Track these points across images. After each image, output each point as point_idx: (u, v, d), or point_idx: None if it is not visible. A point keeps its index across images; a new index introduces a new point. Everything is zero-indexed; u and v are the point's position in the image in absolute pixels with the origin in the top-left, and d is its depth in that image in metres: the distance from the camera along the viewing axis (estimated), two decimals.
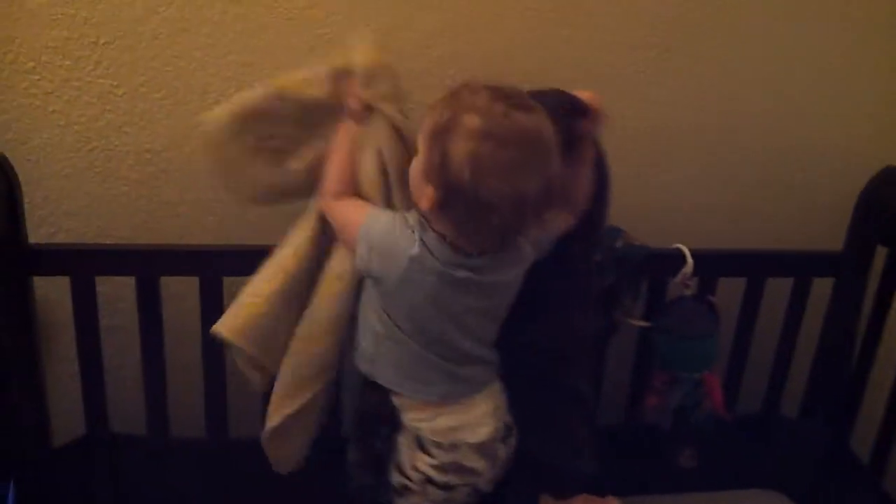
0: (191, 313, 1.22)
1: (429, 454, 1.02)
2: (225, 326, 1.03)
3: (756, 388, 1.44)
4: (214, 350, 1.21)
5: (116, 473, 1.26)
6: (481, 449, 1.03)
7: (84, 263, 1.16)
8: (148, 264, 1.18)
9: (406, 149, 0.99)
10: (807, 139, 1.43)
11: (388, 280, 0.96)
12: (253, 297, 1.03)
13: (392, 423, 1.03)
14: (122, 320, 1.26)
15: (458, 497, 1.05)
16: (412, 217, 0.96)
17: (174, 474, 1.26)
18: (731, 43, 1.35)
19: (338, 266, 1.03)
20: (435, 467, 1.02)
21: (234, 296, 1.19)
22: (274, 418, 1.07)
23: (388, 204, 1.02)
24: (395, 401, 1.02)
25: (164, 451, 1.26)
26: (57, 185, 1.22)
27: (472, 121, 0.86)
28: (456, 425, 1.02)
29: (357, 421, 1.08)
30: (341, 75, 1.00)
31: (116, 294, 1.25)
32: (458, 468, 1.02)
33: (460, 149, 0.86)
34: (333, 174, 1.02)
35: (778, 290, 1.38)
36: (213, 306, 1.18)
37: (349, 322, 1.05)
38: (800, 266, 1.39)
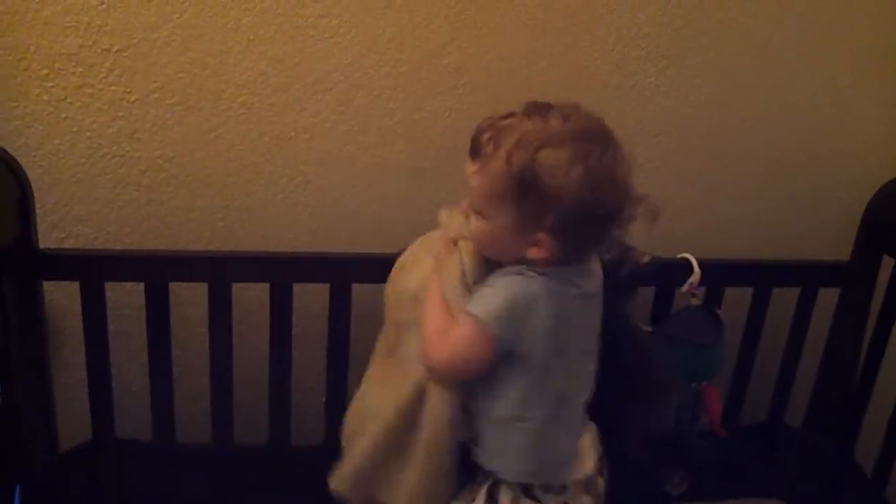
0: (198, 319, 1.22)
1: (538, 500, 0.96)
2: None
3: (761, 398, 1.44)
4: (221, 356, 1.21)
5: (122, 479, 1.25)
6: (587, 485, 0.99)
7: (94, 269, 1.17)
8: (158, 270, 1.18)
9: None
10: (814, 149, 1.44)
11: (533, 331, 0.90)
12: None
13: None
14: (129, 326, 1.26)
15: None
16: (508, 274, 0.91)
17: (180, 480, 1.25)
18: (736, 53, 1.36)
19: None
20: None
21: (241, 301, 1.20)
22: None
23: None
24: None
25: (171, 457, 1.26)
26: (68, 190, 1.22)
27: (552, 153, 0.84)
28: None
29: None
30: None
31: (124, 300, 1.25)
32: None
33: (570, 179, 0.83)
34: (434, 328, 0.93)
35: (784, 299, 1.38)
36: (222, 312, 1.19)
37: None
38: (806, 276, 1.39)
